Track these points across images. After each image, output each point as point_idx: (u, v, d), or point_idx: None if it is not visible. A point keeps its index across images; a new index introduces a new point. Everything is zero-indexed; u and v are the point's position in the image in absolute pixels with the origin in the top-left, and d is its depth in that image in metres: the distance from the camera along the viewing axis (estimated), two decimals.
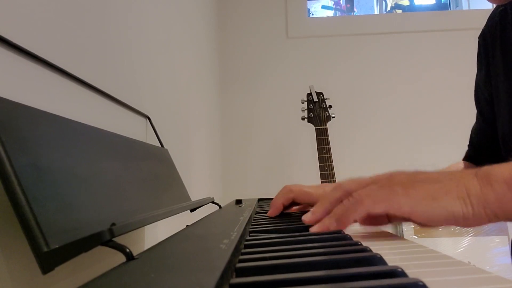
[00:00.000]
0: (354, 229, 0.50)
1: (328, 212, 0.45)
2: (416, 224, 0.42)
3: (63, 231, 0.29)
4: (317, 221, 0.45)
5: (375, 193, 0.40)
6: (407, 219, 0.41)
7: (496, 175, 0.37)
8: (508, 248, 1.62)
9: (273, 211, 0.66)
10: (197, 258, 0.27)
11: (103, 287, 0.21)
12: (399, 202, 0.39)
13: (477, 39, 0.74)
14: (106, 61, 0.61)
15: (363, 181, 0.44)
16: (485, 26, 0.72)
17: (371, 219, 0.45)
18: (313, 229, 0.44)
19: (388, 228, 0.49)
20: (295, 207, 0.71)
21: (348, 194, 0.43)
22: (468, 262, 1.79)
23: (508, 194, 0.36)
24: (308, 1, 2.31)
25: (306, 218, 0.47)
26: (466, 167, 0.78)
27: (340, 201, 0.44)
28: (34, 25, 0.42)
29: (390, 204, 0.39)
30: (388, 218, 0.45)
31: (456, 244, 1.91)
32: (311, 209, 0.48)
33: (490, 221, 0.37)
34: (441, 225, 0.39)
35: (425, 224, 0.40)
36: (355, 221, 0.43)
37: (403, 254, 0.34)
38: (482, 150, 0.77)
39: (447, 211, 0.37)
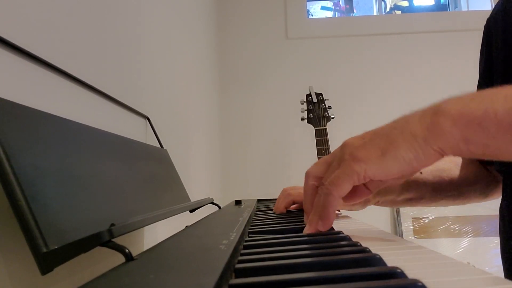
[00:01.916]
0: (353, 229, 0.50)
1: (311, 203, 0.45)
2: (381, 185, 0.43)
3: (62, 232, 0.29)
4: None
5: (336, 176, 0.40)
6: (372, 183, 0.42)
7: (443, 111, 0.36)
8: None
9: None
10: (196, 259, 0.27)
11: None
12: (356, 172, 0.39)
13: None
14: (106, 62, 0.61)
15: (323, 161, 0.45)
16: (490, 14, 0.70)
17: (351, 196, 0.44)
18: (305, 231, 0.44)
19: (387, 229, 0.48)
20: (294, 206, 0.76)
21: (317, 180, 0.44)
22: (468, 262, 1.79)
23: (454, 131, 0.35)
24: (307, 2, 2.32)
25: (306, 230, 0.46)
26: (462, 159, 0.77)
27: (314, 188, 0.45)
28: (33, 25, 0.42)
29: (351, 178, 0.39)
30: (366, 187, 0.45)
31: (455, 245, 1.91)
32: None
33: (442, 156, 0.37)
34: (400, 175, 0.39)
35: (385, 179, 0.40)
36: (338, 210, 0.43)
37: (402, 255, 0.34)
38: None
39: (398, 161, 0.37)
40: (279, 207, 0.73)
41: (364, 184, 0.43)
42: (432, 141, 0.36)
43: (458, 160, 0.78)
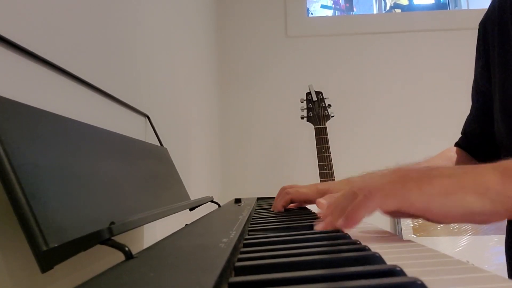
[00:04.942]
0: (353, 228, 0.50)
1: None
2: (428, 221, 0.41)
3: (62, 230, 0.29)
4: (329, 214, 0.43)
5: (387, 188, 0.38)
6: (419, 216, 0.39)
7: None
8: None
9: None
10: (196, 257, 0.27)
11: (102, 286, 0.21)
12: (412, 199, 0.36)
13: (476, 38, 0.73)
14: (106, 60, 0.60)
15: (373, 177, 0.42)
16: (485, 13, 0.70)
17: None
18: (317, 227, 0.42)
19: (387, 227, 0.48)
20: (292, 204, 0.77)
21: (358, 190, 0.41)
22: (467, 261, 1.79)
23: None
24: (307, 0, 2.31)
25: (318, 227, 0.44)
26: (457, 153, 0.77)
27: (349, 198, 0.42)
28: (33, 24, 0.41)
29: (402, 200, 0.37)
30: (394, 213, 0.44)
31: (454, 243, 1.92)
32: (321, 214, 0.47)
33: (507, 217, 0.35)
34: (455, 222, 0.37)
35: (440, 221, 0.37)
36: (364, 218, 0.40)
37: (401, 253, 0.34)
38: (472, 139, 0.76)
39: (462, 208, 0.35)
40: (277, 206, 0.73)
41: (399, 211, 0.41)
42: (506, 198, 0.34)
43: (455, 159, 0.78)
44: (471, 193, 0.35)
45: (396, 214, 0.43)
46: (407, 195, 0.37)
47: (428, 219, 0.39)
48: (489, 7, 0.69)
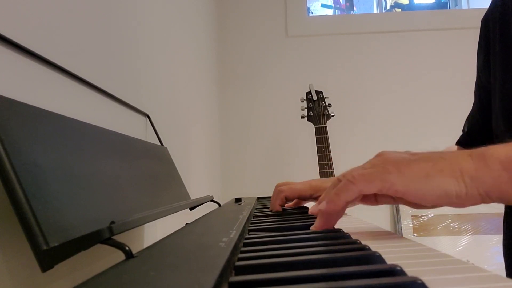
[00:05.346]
0: (353, 227, 0.50)
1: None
2: (407, 205, 0.42)
3: (63, 229, 0.29)
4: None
5: (368, 172, 0.39)
6: (399, 199, 0.41)
7: (491, 155, 0.36)
8: None
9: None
10: (196, 256, 0.27)
11: (102, 285, 0.21)
12: (392, 181, 0.38)
13: (477, 37, 0.73)
14: (106, 59, 0.60)
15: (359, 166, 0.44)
16: (488, 9, 0.70)
17: (364, 198, 0.44)
18: (313, 227, 0.44)
19: (387, 227, 0.48)
20: (289, 204, 0.77)
21: (342, 176, 0.43)
22: (467, 260, 1.79)
23: (503, 174, 0.35)
24: (307, 0, 2.31)
25: (313, 210, 0.46)
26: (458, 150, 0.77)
27: (334, 185, 0.43)
28: (34, 23, 0.41)
29: (382, 183, 0.38)
30: (376, 199, 0.44)
31: (455, 243, 1.92)
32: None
33: (483, 201, 0.37)
34: (433, 204, 0.38)
35: (417, 202, 0.39)
36: (347, 202, 0.41)
37: (402, 253, 0.34)
38: (473, 136, 0.76)
39: (440, 189, 0.36)
40: (275, 206, 0.73)
41: (379, 194, 0.42)
42: (479, 183, 0.36)
43: (453, 148, 0.78)
44: (448, 177, 0.37)
45: (379, 199, 0.44)
46: (387, 177, 0.38)
47: (407, 202, 0.40)
48: (491, 3, 0.69)
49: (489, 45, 0.67)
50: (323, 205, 0.42)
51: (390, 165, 0.39)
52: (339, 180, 0.42)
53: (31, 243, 0.26)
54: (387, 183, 0.38)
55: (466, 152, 0.38)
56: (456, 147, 0.79)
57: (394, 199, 0.43)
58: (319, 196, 0.50)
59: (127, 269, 0.25)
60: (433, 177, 0.37)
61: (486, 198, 0.36)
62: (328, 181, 0.74)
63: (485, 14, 0.70)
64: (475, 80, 0.76)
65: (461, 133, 0.80)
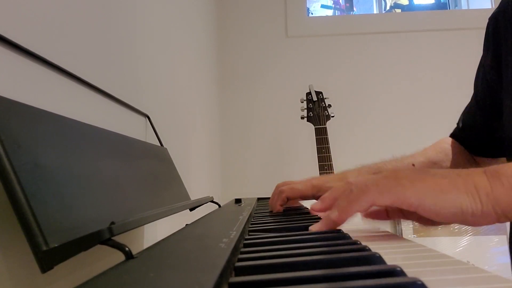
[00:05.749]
0: (353, 228, 0.50)
1: (335, 200, 0.43)
2: (418, 222, 0.41)
3: (62, 230, 0.29)
4: (325, 208, 0.44)
5: (381, 183, 0.38)
6: (410, 214, 0.40)
7: (505, 173, 0.36)
8: (507, 247, 1.62)
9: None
10: (196, 257, 0.27)
11: (102, 286, 0.21)
12: (406, 194, 0.37)
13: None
14: (106, 60, 0.60)
15: (369, 175, 0.43)
16: (497, 8, 0.68)
17: (371, 213, 0.44)
18: (313, 228, 0.43)
19: (387, 228, 0.48)
20: (289, 201, 0.76)
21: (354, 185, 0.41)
22: (467, 261, 1.79)
23: None
24: (307, 0, 2.31)
25: (316, 206, 0.45)
26: (452, 146, 0.76)
27: (345, 193, 0.42)
28: (34, 24, 0.41)
29: (396, 195, 0.37)
30: (388, 214, 0.44)
31: (455, 244, 1.92)
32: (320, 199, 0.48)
33: (498, 220, 0.36)
34: (447, 221, 0.37)
35: (431, 218, 0.37)
36: (358, 212, 0.41)
37: (402, 254, 0.34)
38: (471, 131, 0.75)
39: (455, 206, 0.35)
40: (275, 206, 0.72)
41: (391, 208, 0.41)
42: (495, 202, 0.35)
43: (448, 152, 0.77)
44: (464, 194, 0.36)
45: (391, 214, 0.43)
46: (401, 190, 0.37)
47: (419, 218, 0.40)
48: (502, 2, 0.68)
49: (500, 42, 0.66)
50: (335, 215, 0.41)
51: (404, 179, 0.38)
52: (349, 188, 0.41)
53: (31, 244, 0.26)
54: (401, 197, 0.37)
55: (480, 169, 0.38)
56: (450, 140, 0.78)
57: (405, 215, 0.42)
58: (321, 195, 0.50)
59: (127, 270, 0.25)
60: (449, 193, 0.36)
61: (502, 217, 0.36)
62: (329, 180, 0.73)
63: (495, 12, 0.69)
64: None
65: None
